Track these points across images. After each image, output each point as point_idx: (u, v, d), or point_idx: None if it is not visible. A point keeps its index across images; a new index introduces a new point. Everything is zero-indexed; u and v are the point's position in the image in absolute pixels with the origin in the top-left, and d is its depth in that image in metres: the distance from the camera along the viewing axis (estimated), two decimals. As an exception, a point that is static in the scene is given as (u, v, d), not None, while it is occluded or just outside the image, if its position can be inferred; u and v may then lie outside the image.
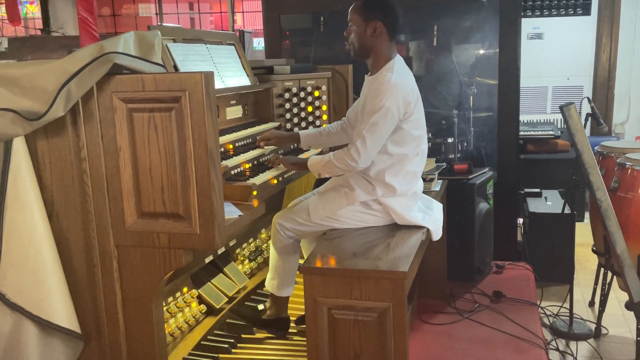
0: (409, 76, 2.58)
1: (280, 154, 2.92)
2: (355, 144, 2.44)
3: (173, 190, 1.95)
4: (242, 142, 2.79)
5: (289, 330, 2.85)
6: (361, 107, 2.56)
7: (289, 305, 2.85)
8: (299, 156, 2.93)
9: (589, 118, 3.26)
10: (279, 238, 2.67)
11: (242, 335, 2.79)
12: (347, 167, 2.47)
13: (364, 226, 2.59)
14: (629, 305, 2.98)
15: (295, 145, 3.11)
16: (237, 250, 3.21)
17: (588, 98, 3.36)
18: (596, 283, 3.66)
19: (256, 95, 3.15)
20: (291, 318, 2.88)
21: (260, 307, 2.93)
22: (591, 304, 3.72)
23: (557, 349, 3.14)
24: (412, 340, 2.92)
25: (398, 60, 2.57)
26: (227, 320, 2.88)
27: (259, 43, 7.17)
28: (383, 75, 2.49)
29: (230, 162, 2.47)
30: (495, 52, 4.03)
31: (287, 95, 3.25)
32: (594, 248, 3.61)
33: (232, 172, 2.48)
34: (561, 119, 5.42)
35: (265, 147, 2.83)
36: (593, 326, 3.37)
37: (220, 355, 2.60)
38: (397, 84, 2.44)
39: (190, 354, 2.56)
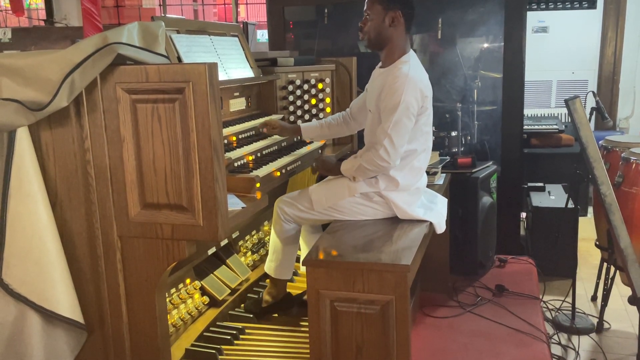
0: (423, 71, 2.57)
1: (284, 147, 2.93)
2: (383, 143, 2.42)
3: (176, 182, 1.94)
4: (246, 134, 2.79)
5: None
6: (374, 100, 2.54)
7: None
8: (302, 148, 2.93)
9: (594, 112, 3.25)
10: (279, 222, 2.69)
11: (245, 327, 2.80)
12: (378, 168, 2.47)
13: (364, 218, 2.59)
14: (632, 300, 2.97)
15: (299, 137, 3.11)
16: (240, 242, 3.21)
17: (593, 92, 3.34)
18: (599, 277, 3.65)
19: (260, 87, 3.15)
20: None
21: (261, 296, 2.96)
22: (594, 298, 3.71)
23: (559, 343, 3.15)
24: (414, 334, 2.92)
25: (412, 55, 2.56)
26: (230, 312, 2.89)
27: (262, 35, 7.16)
28: (398, 69, 2.46)
29: (233, 154, 2.47)
30: (500, 46, 4.01)
31: (290, 88, 3.24)
32: (597, 242, 3.61)
33: (235, 164, 2.48)
34: (565, 113, 5.40)
35: (274, 137, 2.87)
36: (595, 321, 3.37)
37: (223, 347, 2.61)
38: (414, 77, 2.42)
39: (192, 345, 2.56)
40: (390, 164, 2.44)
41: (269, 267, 2.79)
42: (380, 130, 2.45)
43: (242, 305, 2.99)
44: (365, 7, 2.56)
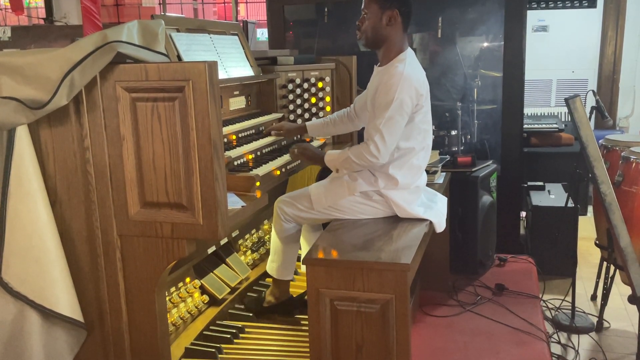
0: (420, 69, 2.56)
1: (284, 145, 2.92)
2: (374, 139, 2.41)
3: (176, 181, 1.94)
4: (246, 133, 2.79)
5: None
6: (371, 98, 2.55)
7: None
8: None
9: (594, 111, 3.25)
10: (279, 222, 2.69)
11: (245, 326, 2.80)
12: (367, 163, 2.46)
13: (364, 217, 2.58)
14: (632, 299, 2.97)
15: (300, 136, 3.11)
16: (240, 241, 3.21)
17: (593, 91, 3.34)
18: (599, 277, 3.65)
19: (260, 86, 3.14)
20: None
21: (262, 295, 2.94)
22: (593, 297, 3.71)
23: (559, 342, 3.15)
24: (414, 333, 2.92)
25: (410, 53, 2.55)
26: (230, 311, 2.89)
27: (262, 34, 7.15)
28: (394, 67, 2.47)
29: (233, 153, 2.47)
30: (500, 45, 4.00)
31: (290, 86, 3.24)
32: (597, 242, 3.61)
33: (235, 163, 2.48)
34: (565, 112, 5.40)
35: (274, 136, 2.87)
36: (595, 320, 3.37)
37: (223, 346, 2.61)
38: (409, 75, 2.42)
39: (192, 344, 2.56)
40: (379, 160, 2.44)
41: (270, 267, 2.79)
42: (372, 125, 2.45)
43: (243, 303, 2.98)
44: (362, 6, 2.56)
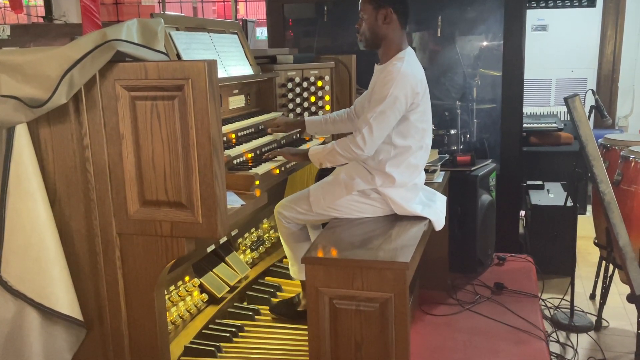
0: (418, 68, 2.57)
1: (283, 144, 2.92)
2: (362, 131, 2.42)
3: (176, 179, 1.94)
4: (245, 132, 2.79)
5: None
6: (369, 96, 2.56)
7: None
8: (300, 147, 2.92)
9: (593, 110, 3.25)
10: (282, 226, 2.70)
11: (244, 325, 2.80)
12: (351, 154, 2.46)
13: (363, 216, 2.59)
14: (631, 298, 2.98)
15: (298, 135, 3.11)
16: (239, 240, 3.21)
17: (592, 90, 3.34)
18: (597, 276, 3.66)
19: (259, 84, 3.14)
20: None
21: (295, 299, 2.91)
22: (592, 296, 3.72)
23: (558, 341, 3.15)
24: (413, 331, 2.92)
25: (409, 52, 2.56)
26: (229, 310, 2.89)
27: (262, 32, 7.15)
28: (393, 65, 2.48)
29: (232, 152, 2.47)
30: (499, 44, 4.01)
31: (290, 85, 3.24)
32: (596, 241, 3.61)
33: (235, 162, 2.48)
34: (564, 112, 5.41)
35: (274, 134, 2.85)
36: (594, 319, 3.37)
37: (222, 344, 2.61)
38: (406, 73, 2.43)
39: (192, 343, 2.57)
40: (364, 151, 2.44)
41: (293, 272, 2.80)
42: (363, 118, 2.45)
43: (269, 307, 2.94)
44: (359, 9, 2.57)
